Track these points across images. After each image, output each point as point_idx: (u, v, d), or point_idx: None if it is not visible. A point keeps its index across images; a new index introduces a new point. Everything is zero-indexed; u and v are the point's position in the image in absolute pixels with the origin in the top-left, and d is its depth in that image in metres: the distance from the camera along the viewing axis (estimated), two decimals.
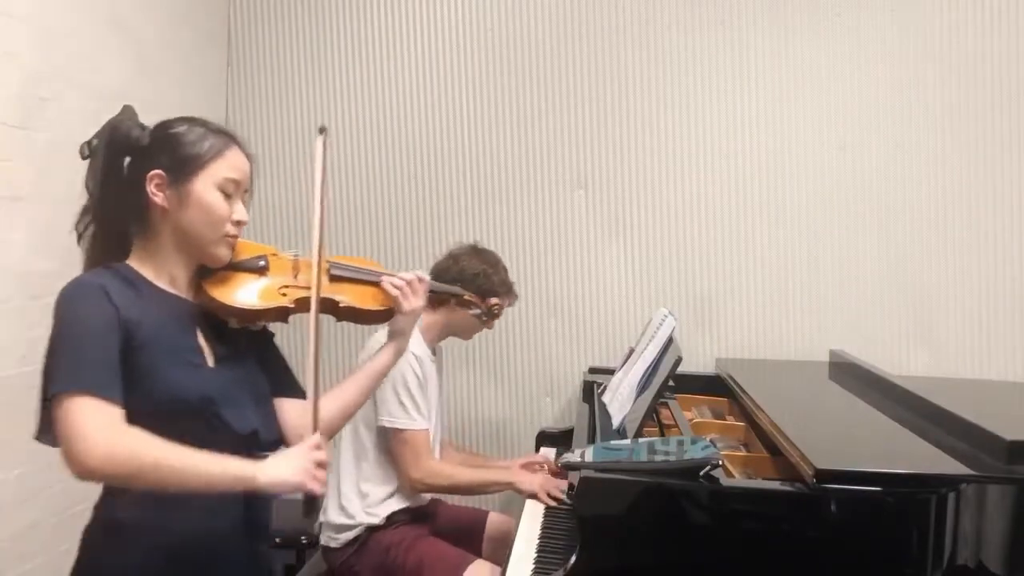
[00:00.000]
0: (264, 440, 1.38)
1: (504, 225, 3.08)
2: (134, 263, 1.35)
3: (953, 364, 2.87)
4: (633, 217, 3.02)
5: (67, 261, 2.22)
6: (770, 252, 2.96)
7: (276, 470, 1.26)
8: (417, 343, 2.31)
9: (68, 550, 2.32)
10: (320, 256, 1.41)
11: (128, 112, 1.36)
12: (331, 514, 2.30)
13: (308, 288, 1.41)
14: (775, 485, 1.79)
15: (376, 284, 1.52)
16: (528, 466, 2.54)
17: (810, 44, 2.92)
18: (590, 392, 2.59)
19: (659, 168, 3.00)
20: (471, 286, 2.30)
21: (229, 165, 1.35)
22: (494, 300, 1.73)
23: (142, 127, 1.34)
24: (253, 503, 1.38)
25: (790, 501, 1.67)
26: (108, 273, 1.30)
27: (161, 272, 1.35)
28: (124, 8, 2.53)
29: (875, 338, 2.90)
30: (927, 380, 2.65)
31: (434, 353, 2.42)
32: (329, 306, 1.46)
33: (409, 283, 1.51)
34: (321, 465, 1.30)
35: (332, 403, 1.47)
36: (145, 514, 1.28)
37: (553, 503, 2.17)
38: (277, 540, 2.63)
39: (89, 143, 1.33)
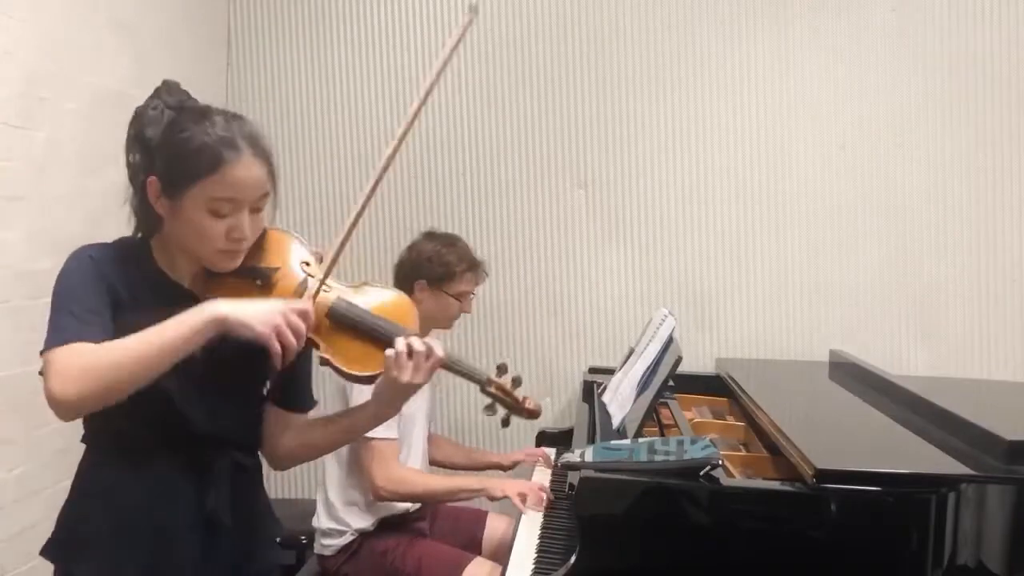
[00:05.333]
0: (227, 440, 1.35)
1: (504, 225, 3.08)
2: (154, 243, 1.34)
3: (953, 364, 2.87)
4: (633, 217, 3.02)
5: None
6: (770, 252, 2.96)
7: (243, 310, 1.18)
8: None
9: None
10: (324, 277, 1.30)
11: (165, 93, 1.31)
12: (322, 521, 2.29)
13: None
14: (775, 485, 1.79)
15: (379, 343, 1.29)
16: (530, 456, 2.56)
17: (810, 44, 2.92)
18: (590, 392, 2.59)
19: (659, 168, 3.00)
20: (427, 271, 2.30)
21: (223, 183, 1.23)
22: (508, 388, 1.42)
23: (161, 119, 1.28)
24: (209, 492, 1.33)
25: (790, 501, 1.67)
26: (114, 248, 1.31)
27: (169, 261, 1.34)
28: (124, 8, 2.53)
29: (875, 338, 2.90)
30: (927, 380, 2.65)
31: None
32: (310, 345, 1.30)
33: (416, 354, 1.28)
34: (294, 329, 1.20)
35: (296, 437, 1.42)
36: (103, 481, 1.30)
37: (525, 507, 2.09)
38: (278, 539, 2.63)
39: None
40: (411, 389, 1.31)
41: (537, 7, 3.03)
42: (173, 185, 1.25)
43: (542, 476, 2.46)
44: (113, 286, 1.25)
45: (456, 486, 2.29)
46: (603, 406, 2.28)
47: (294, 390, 1.43)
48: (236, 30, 3.19)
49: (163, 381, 1.22)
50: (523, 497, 2.12)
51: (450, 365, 1.35)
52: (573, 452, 1.87)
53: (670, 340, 2.15)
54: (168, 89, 1.33)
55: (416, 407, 2.33)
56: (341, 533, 2.26)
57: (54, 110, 2.22)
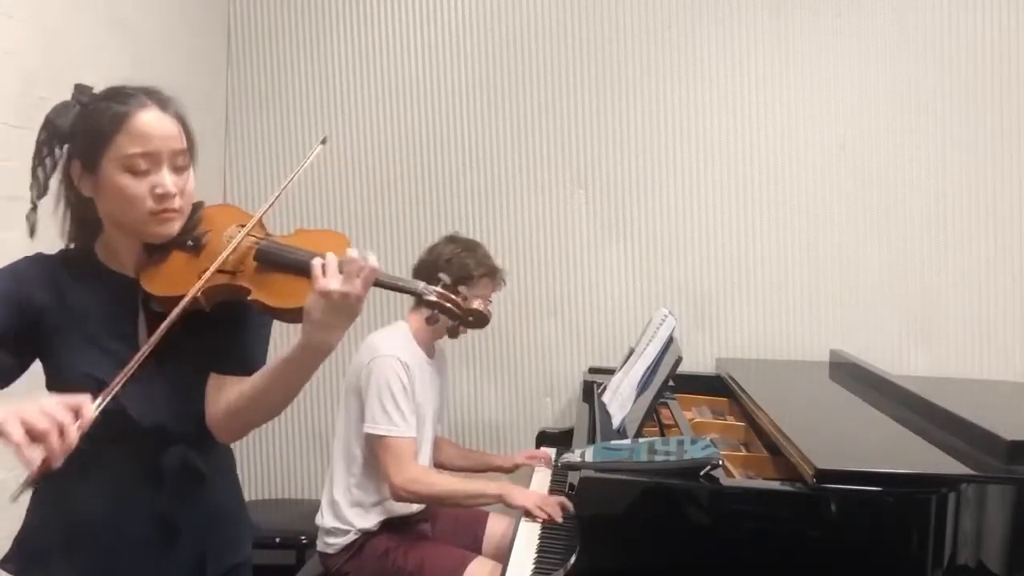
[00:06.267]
0: (175, 434, 1.28)
1: (504, 225, 3.08)
2: (96, 244, 1.33)
3: (953, 364, 2.87)
4: (633, 217, 3.02)
5: None
6: (770, 252, 2.96)
7: None
8: (408, 349, 2.28)
9: None
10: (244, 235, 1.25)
11: (73, 95, 1.31)
12: (326, 519, 2.29)
13: (229, 274, 1.24)
14: (775, 485, 1.79)
15: (303, 273, 1.18)
16: (531, 459, 2.56)
17: (810, 44, 2.92)
18: (590, 392, 2.59)
19: (659, 168, 3.00)
20: (444, 272, 2.28)
21: (131, 136, 1.21)
22: (460, 296, 1.28)
23: (70, 110, 1.28)
24: (161, 494, 1.28)
25: (790, 501, 1.67)
26: (46, 257, 1.31)
27: (110, 253, 1.31)
28: (124, 8, 2.53)
29: (875, 338, 2.90)
30: (927, 380, 2.65)
31: (431, 356, 2.39)
32: (237, 294, 1.24)
33: (347, 262, 1.16)
34: (59, 427, 1.03)
35: (234, 387, 1.28)
36: (53, 489, 1.27)
37: (544, 516, 2.04)
38: (277, 540, 2.64)
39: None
40: (347, 302, 1.15)
41: (537, 7, 3.03)
42: (89, 157, 1.24)
43: (542, 476, 2.46)
44: (30, 296, 1.25)
45: (475, 490, 2.24)
46: (603, 406, 2.28)
47: (230, 352, 1.31)
48: (236, 29, 3.19)
49: (107, 374, 1.18)
50: (541, 510, 2.06)
51: (384, 279, 1.23)
52: (573, 452, 1.88)
53: (670, 340, 2.15)
54: (80, 90, 1.32)
55: (427, 408, 2.34)
56: (344, 532, 2.26)
57: None
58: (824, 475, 1.59)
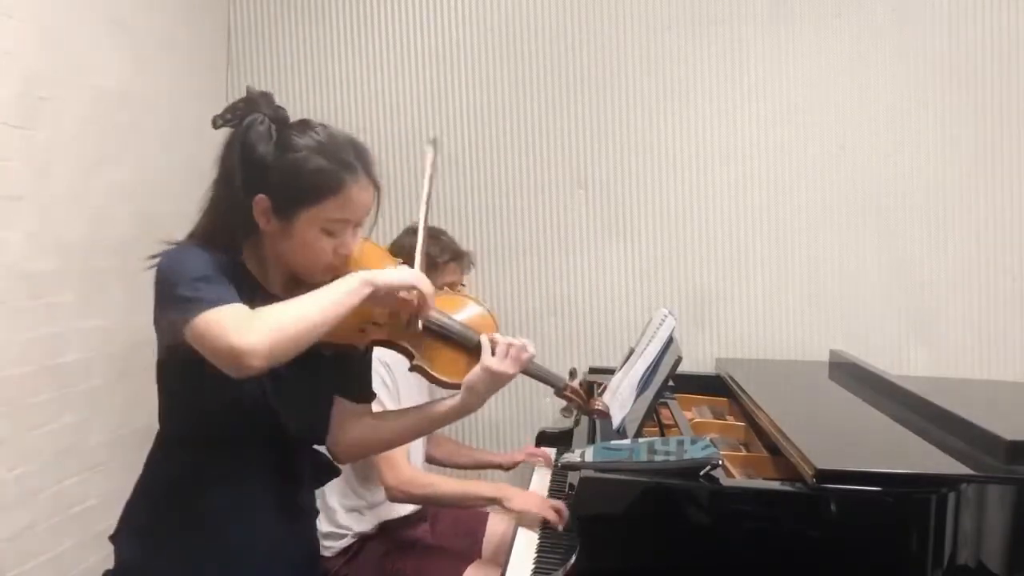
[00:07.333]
0: (310, 440, 1.42)
1: (504, 225, 3.08)
2: (245, 252, 1.34)
3: (953, 364, 2.87)
4: (633, 217, 3.02)
5: (67, 261, 2.23)
6: (770, 252, 2.96)
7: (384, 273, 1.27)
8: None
9: (68, 550, 2.33)
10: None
11: (264, 106, 1.30)
12: (322, 524, 2.27)
13: (391, 334, 1.35)
14: (775, 485, 1.78)
15: (467, 350, 1.39)
16: (530, 456, 2.55)
17: (810, 44, 2.92)
18: (590, 392, 2.59)
19: (659, 168, 3.00)
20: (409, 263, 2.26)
21: (340, 205, 1.28)
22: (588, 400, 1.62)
23: (271, 135, 1.28)
24: (298, 493, 1.41)
25: (790, 501, 1.67)
26: (218, 252, 1.30)
27: (261, 271, 1.35)
28: (124, 8, 2.53)
29: (875, 338, 2.90)
30: (927, 380, 2.65)
31: None
32: (403, 354, 1.39)
33: (511, 345, 1.39)
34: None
35: (363, 429, 1.45)
36: (186, 494, 1.31)
37: (552, 519, 1.99)
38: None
39: (224, 118, 1.29)
40: (504, 379, 1.40)
41: (538, 7, 3.03)
42: (288, 207, 1.27)
43: (542, 476, 2.46)
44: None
45: (470, 491, 2.20)
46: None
47: (360, 381, 1.45)
48: (236, 29, 3.19)
49: (260, 385, 1.23)
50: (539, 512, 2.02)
51: (531, 367, 1.46)
52: (573, 452, 1.87)
53: (670, 340, 2.15)
54: (267, 100, 1.31)
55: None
56: (341, 536, 2.25)
57: (54, 110, 2.22)
58: (824, 475, 1.59)
